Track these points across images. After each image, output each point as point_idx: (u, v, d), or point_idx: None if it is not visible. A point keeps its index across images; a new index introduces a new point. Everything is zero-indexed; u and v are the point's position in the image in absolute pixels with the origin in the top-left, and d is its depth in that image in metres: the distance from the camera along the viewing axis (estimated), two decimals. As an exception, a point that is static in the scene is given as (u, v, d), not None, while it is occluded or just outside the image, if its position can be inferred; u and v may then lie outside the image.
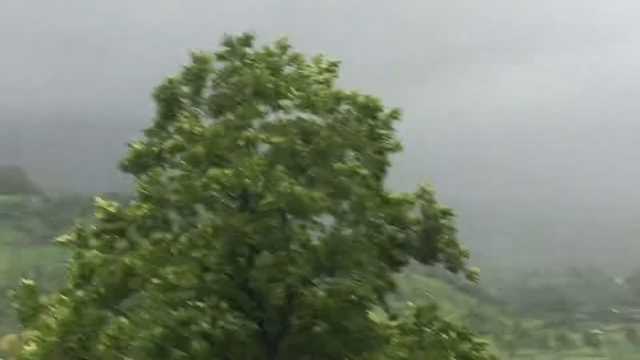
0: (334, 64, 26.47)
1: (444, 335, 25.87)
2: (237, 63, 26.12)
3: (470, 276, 26.86)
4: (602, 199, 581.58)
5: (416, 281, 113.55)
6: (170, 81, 26.22)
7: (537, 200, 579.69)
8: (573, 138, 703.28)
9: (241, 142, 24.65)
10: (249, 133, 25.00)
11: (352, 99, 25.72)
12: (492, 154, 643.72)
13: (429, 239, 25.79)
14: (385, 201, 25.35)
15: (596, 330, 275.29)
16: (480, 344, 27.19)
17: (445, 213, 25.84)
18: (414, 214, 25.76)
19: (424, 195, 25.82)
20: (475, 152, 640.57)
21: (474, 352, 26.13)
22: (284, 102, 25.51)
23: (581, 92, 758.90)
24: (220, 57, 26.36)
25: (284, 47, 26.32)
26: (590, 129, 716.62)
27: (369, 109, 25.57)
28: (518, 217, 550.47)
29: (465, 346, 26.12)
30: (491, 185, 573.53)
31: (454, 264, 26.35)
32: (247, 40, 26.45)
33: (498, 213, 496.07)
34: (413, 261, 27.04)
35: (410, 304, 27.85)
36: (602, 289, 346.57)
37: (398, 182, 26.72)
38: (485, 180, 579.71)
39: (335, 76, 26.20)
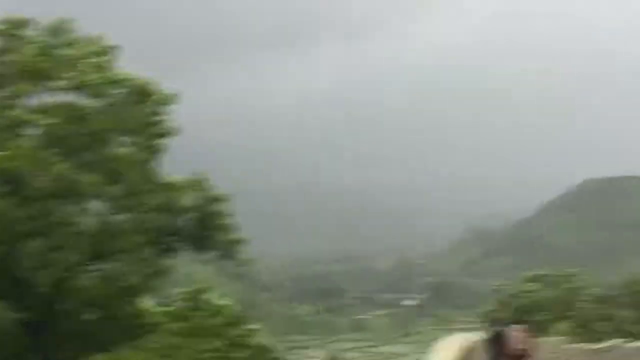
0: (110, 47, 25.78)
1: (215, 321, 26.06)
2: (13, 43, 24.99)
3: (244, 263, 27.08)
4: (368, 186, 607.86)
5: (188, 268, 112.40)
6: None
7: (305, 187, 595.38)
8: (338, 126, 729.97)
9: (8, 123, 23.57)
10: (16, 113, 23.94)
11: (127, 82, 25.20)
12: (270, 145, 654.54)
13: (203, 225, 25.75)
14: (160, 187, 25.05)
15: (362, 315, 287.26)
16: (251, 330, 27.67)
17: (220, 200, 25.88)
18: (188, 200, 25.65)
19: (199, 181, 25.81)
20: (255, 141, 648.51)
21: (244, 338, 26.53)
22: (55, 84, 24.62)
23: (341, 82, 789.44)
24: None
25: (58, 30, 25.39)
26: (352, 117, 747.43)
27: (145, 93, 25.15)
28: (287, 203, 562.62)
29: (236, 332, 26.47)
30: (264, 174, 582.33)
31: (228, 252, 26.44)
32: (23, 22, 25.33)
33: (265, 200, 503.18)
34: (184, 250, 26.91)
35: (181, 289, 27.82)
36: (368, 275, 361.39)
37: (174, 168, 26.48)
38: (260, 170, 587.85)
39: (111, 59, 25.55)
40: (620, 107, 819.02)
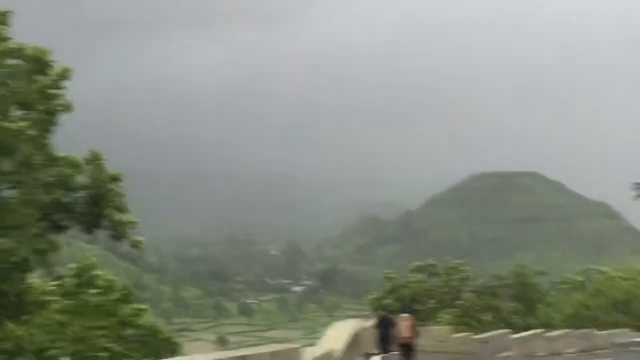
0: (2, 14, 24.80)
1: (104, 299, 25.79)
2: None
3: (134, 245, 26.69)
4: (258, 170, 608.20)
5: (76, 248, 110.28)
6: None
7: (197, 170, 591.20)
8: (234, 109, 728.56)
9: None
10: None
11: (19, 52, 24.32)
12: (158, 128, 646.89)
13: (95, 204, 25.32)
14: (53, 162, 24.51)
15: (251, 300, 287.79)
16: (140, 310, 27.50)
17: (115, 179, 25.51)
18: (82, 178, 25.15)
19: (94, 160, 25.34)
20: (145, 124, 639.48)
21: (133, 317, 26.36)
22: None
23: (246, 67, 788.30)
24: None
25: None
26: (258, 101, 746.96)
27: (39, 64, 24.29)
28: (175, 186, 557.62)
29: (125, 311, 26.27)
30: (152, 157, 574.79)
31: (119, 233, 26.02)
32: None
33: (153, 183, 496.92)
34: (74, 228, 26.35)
35: (72, 265, 27.39)
36: (257, 260, 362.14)
37: (69, 145, 25.90)
38: (149, 153, 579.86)
39: (6, 28, 24.61)
40: (517, 104, 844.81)
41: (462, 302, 69.89)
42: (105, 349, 23.10)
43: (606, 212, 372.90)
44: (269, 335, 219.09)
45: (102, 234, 27.02)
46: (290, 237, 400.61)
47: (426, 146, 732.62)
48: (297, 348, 12.73)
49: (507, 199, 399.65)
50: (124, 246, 27.54)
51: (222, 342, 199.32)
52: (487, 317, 67.98)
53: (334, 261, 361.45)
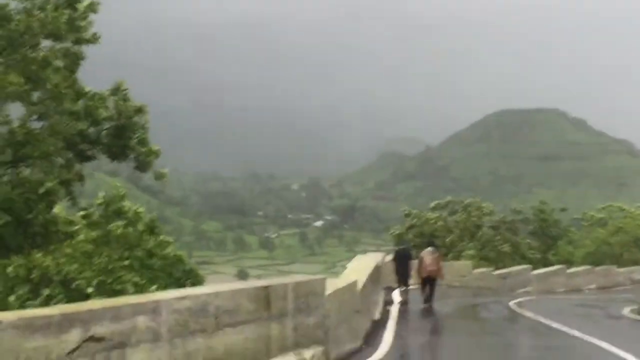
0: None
1: (131, 230, 26.11)
2: None
3: (158, 177, 26.86)
4: (282, 106, 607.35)
5: (99, 180, 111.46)
6: None
7: (220, 107, 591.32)
8: (246, 45, 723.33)
9: None
10: None
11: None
12: (175, 62, 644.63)
13: (121, 136, 25.50)
14: (80, 94, 24.69)
15: (271, 234, 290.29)
16: (165, 242, 27.82)
17: (139, 111, 25.62)
18: (107, 110, 25.31)
19: (119, 92, 25.47)
20: (161, 59, 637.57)
21: (159, 248, 26.68)
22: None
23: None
24: None
25: None
26: (260, 38, 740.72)
27: (68, -2, 24.37)
28: (202, 123, 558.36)
29: (150, 243, 26.58)
30: (170, 91, 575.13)
31: (143, 164, 26.21)
32: None
33: (184, 119, 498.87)
34: (100, 158, 26.57)
35: (100, 195, 27.69)
36: (278, 195, 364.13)
37: (90, 79, 26.00)
38: (167, 87, 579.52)
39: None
40: (536, 42, 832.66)
41: (481, 237, 70.25)
42: (130, 281, 23.40)
43: (628, 150, 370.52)
44: (289, 269, 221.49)
45: (125, 167, 27.26)
46: (311, 173, 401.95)
47: (450, 83, 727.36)
48: (322, 279, 12.95)
49: (528, 136, 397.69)
50: (146, 179, 27.74)
51: (242, 276, 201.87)
52: (506, 248, 68.35)
53: (354, 197, 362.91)
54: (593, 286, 52.42)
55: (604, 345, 16.69)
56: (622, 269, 57.48)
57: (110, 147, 25.64)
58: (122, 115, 25.26)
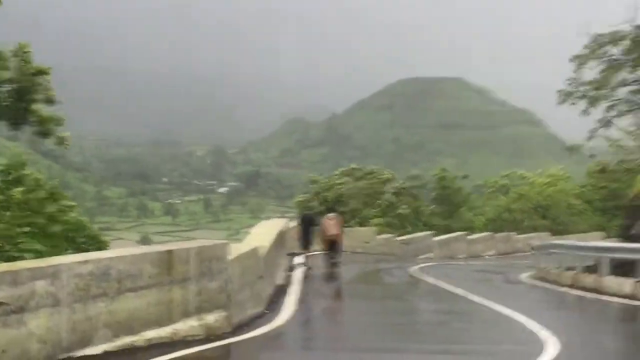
0: None
1: (32, 195, 25.64)
2: None
3: (59, 141, 26.34)
4: (185, 72, 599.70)
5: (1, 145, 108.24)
6: None
7: (125, 71, 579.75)
8: (152, 11, 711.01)
9: None
10: None
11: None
12: (78, 25, 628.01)
13: (21, 98, 24.91)
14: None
15: (175, 200, 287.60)
16: (68, 206, 27.46)
17: (41, 72, 25.08)
18: (7, 73, 24.67)
19: (20, 52, 24.84)
20: (66, 21, 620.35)
21: (61, 214, 26.30)
22: None
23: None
24: None
25: None
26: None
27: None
28: (106, 87, 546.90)
29: (52, 208, 26.16)
30: (74, 54, 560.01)
31: (45, 129, 25.66)
32: None
33: (74, 81, 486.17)
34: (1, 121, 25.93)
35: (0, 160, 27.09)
36: (183, 162, 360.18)
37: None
38: (70, 50, 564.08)
39: None
40: (443, 10, 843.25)
41: (383, 203, 71.24)
42: (32, 250, 23.00)
43: (529, 119, 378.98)
44: (193, 235, 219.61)
45: (24, 131, 26.63)
46: (216, 140, 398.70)
47: (356, 51, 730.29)
48: (225, 244, 13.06)
49: (431, 105, 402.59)
50: (47, 144, 27.15)
51: (146, 241, 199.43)
52: (406, 210, 69.49)
53: (258, 164, 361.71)
54: (493, 252, 53.96)
55: (500, 308, 17.38)
56: (521, 236, 59.17)
57: (10, 110, 25.01)
58: (23, 77, 24.66)
